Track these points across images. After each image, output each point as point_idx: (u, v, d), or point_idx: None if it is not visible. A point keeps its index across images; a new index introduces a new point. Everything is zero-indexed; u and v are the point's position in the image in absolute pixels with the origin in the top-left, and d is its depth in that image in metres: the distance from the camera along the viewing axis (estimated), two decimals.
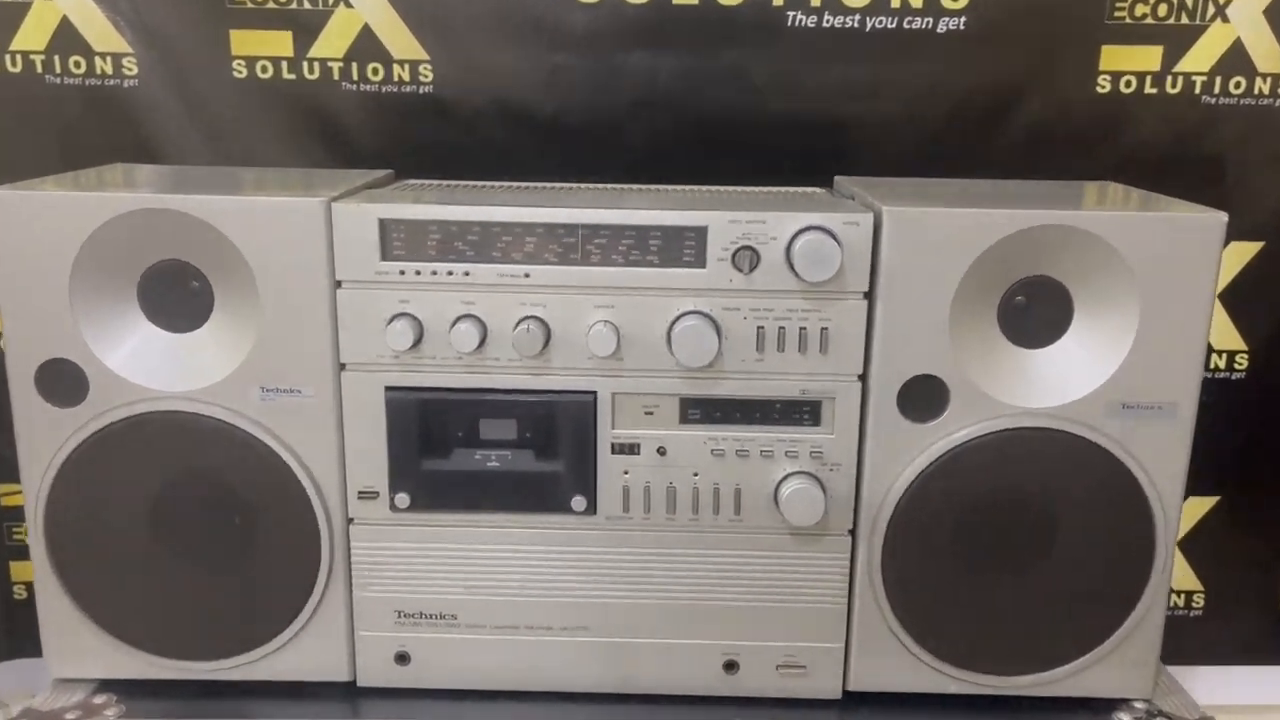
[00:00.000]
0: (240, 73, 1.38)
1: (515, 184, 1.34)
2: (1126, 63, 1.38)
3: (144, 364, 1.12)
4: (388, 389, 1.12)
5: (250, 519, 1.11)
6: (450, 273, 1.09)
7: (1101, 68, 1.38)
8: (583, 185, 1.34)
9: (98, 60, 1.37)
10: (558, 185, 1.33)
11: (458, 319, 1.10)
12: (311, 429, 1.13)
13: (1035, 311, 1.10)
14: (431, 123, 1.39)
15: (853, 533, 1.15)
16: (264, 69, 1.38)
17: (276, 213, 1.08)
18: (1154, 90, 1.39)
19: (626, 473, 1.14)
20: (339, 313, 1.10)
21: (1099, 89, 1.39)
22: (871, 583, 1.14)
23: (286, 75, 1.39)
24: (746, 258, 1.08)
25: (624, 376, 1.12)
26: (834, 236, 1.06)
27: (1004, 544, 1.11)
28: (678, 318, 1.09)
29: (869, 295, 1.09)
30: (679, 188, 1.34)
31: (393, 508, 1.14)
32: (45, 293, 1.08)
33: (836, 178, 1.35)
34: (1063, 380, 1.10)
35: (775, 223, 1.07)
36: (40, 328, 1.09)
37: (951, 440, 1.09)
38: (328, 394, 1.12)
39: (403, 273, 1.09)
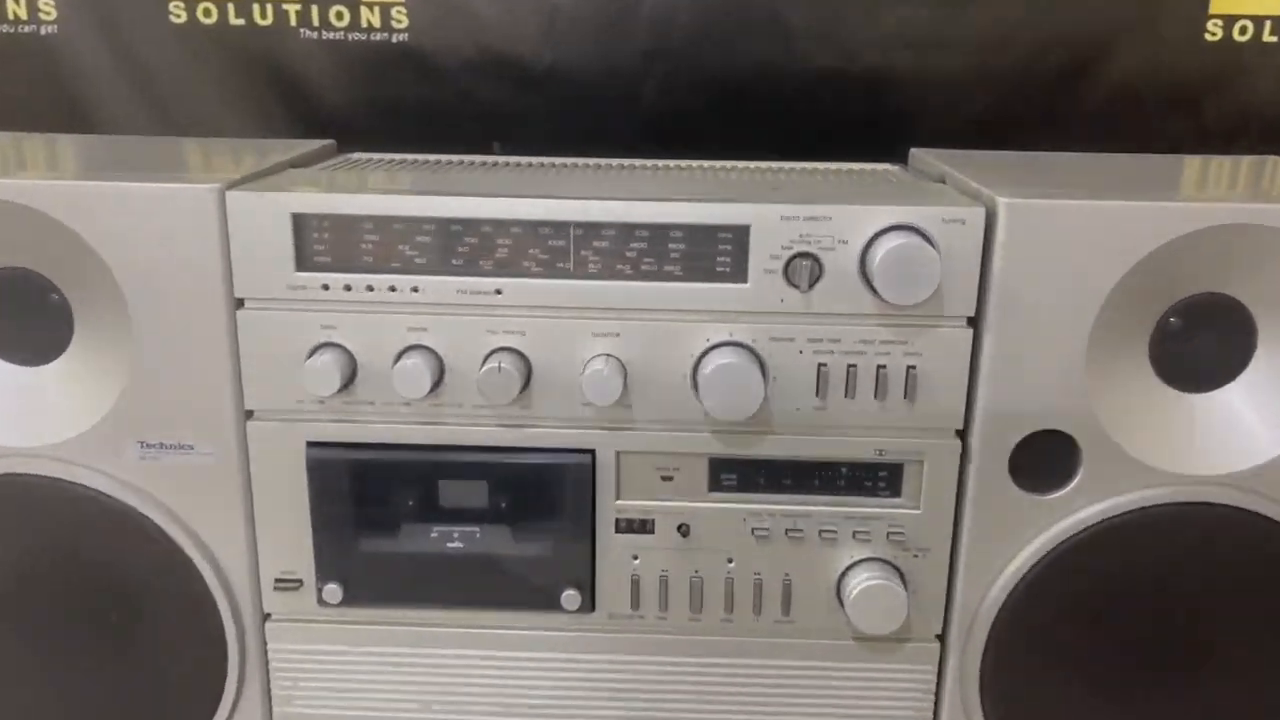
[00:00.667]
0: (179, 17, 1.19)
1: (497, 159, 1.03)
2: (1243, 4, 1.13)
3: None
4: (310, 445, 0.82)
5: (132, 615, 0.86)
6: (393, 288, 0.79)
7: (1212, 11, 1.15)
8: (582, 162, 1.03)
9: (10, 3, 1.17)
10: (552, 162, 1.02)
11: (403, 352, 0.80)
12: (208, 496, 0.83)
13: (1202, 343, 0.80)
14: (405, 79, 1.20)
15: (941, 639, 0.85)
16: (206, 12, 1.19)
17: (149, 205, 0.77)
18: (1275, 38, 1.15)
19: (636, 558, 0.84)
20: (240, 342, 0.80)
21: (1208, 36, 1.15)
22: (965, 705, 0.85)
23: (234, 20, 1.19)
24: (805, 269, 0.77)
25: (633, 430, 0.82)
26: (929, 240, 0.75)
27: (1149, 657, 0.86)
28: (707, 351, 0.79)
29: (974, 321, 0.78)
30: (705, 164, 1.03)
31: (321, 601, 0.85)
32: None
33: (913, 151, 1.04)
34: (1238, 437, 0.80)
35: (846, 220, 0.76)
36: None
37: (1081, 518, 0.83)
38: (229, 450, 0.82)
39: (327, 287, 0.79)
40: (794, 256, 0.77)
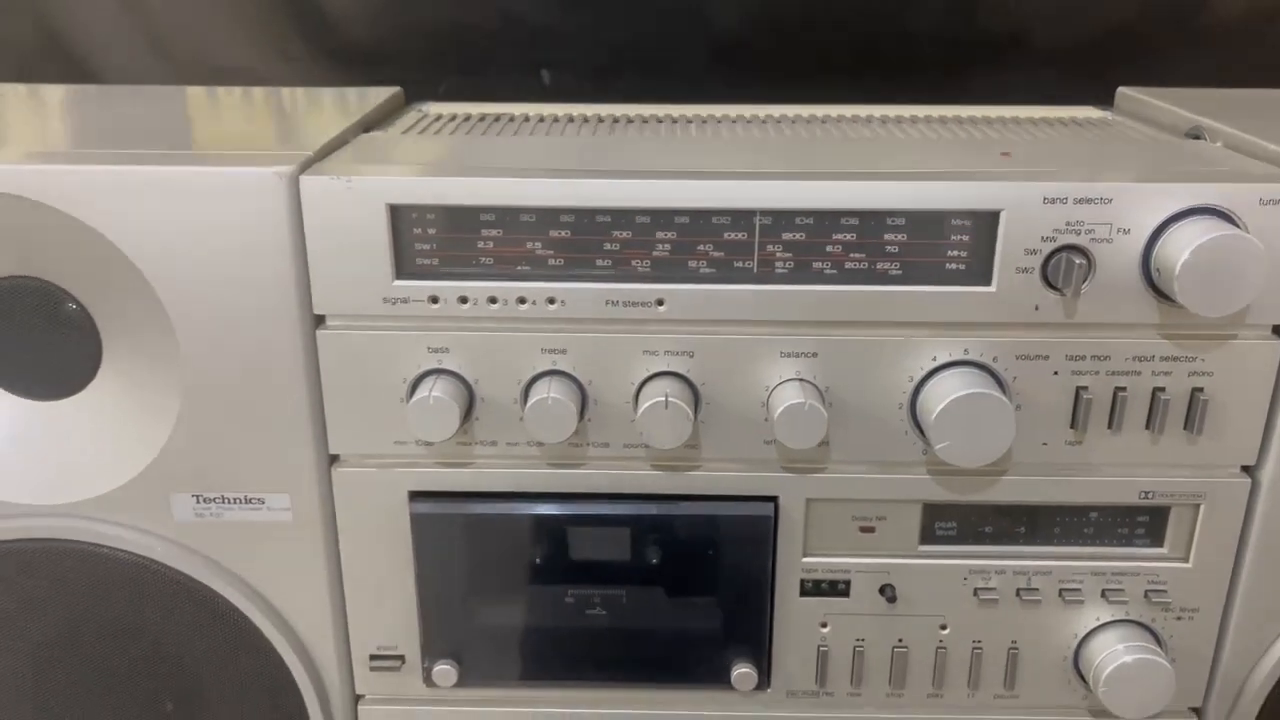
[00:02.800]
0: None
1: (602, 112, 0.83)
2: None
3: None
4: (414, 496, 0.65)
5: (192, 701, 0.70)
6: (523, 299, 0.60)
7: None
8: (689, 112, 0.83)
9: None
10: (668, 113, 0.83)
11: (535, 381, 0.61)
12: (284, 559, 0.66)
13: None
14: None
15: (1199, 712, 0.69)
16: None
17: (197, 195, 0.58)
18: None
19: (825, 625, 0.67)
20: (322, 370, 0.62)
21: None
22: None
23: None
24: (1072, 267, 0.58)
25: (827, 473, 0.64)
26: (1242, 227, 0.57)
27: None
28: (934, 373, 0.61)
29: None
30: (833, 111, 0.83)
31: (429, 682, 0.68)
32: None
33: (1122, 90, 0.84)
34: None
35: (1130, 201, 0.57)
36: None
37: None
38: (309, 504, 0.65)
39: (436, 299, 0.60)
40: (1057, 250, 0.58)
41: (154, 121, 0.74)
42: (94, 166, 0.58)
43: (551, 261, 0.60)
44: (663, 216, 0.59)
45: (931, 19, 0.96)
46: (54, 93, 0.84)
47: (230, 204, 0.58)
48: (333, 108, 0.76)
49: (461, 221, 0.59)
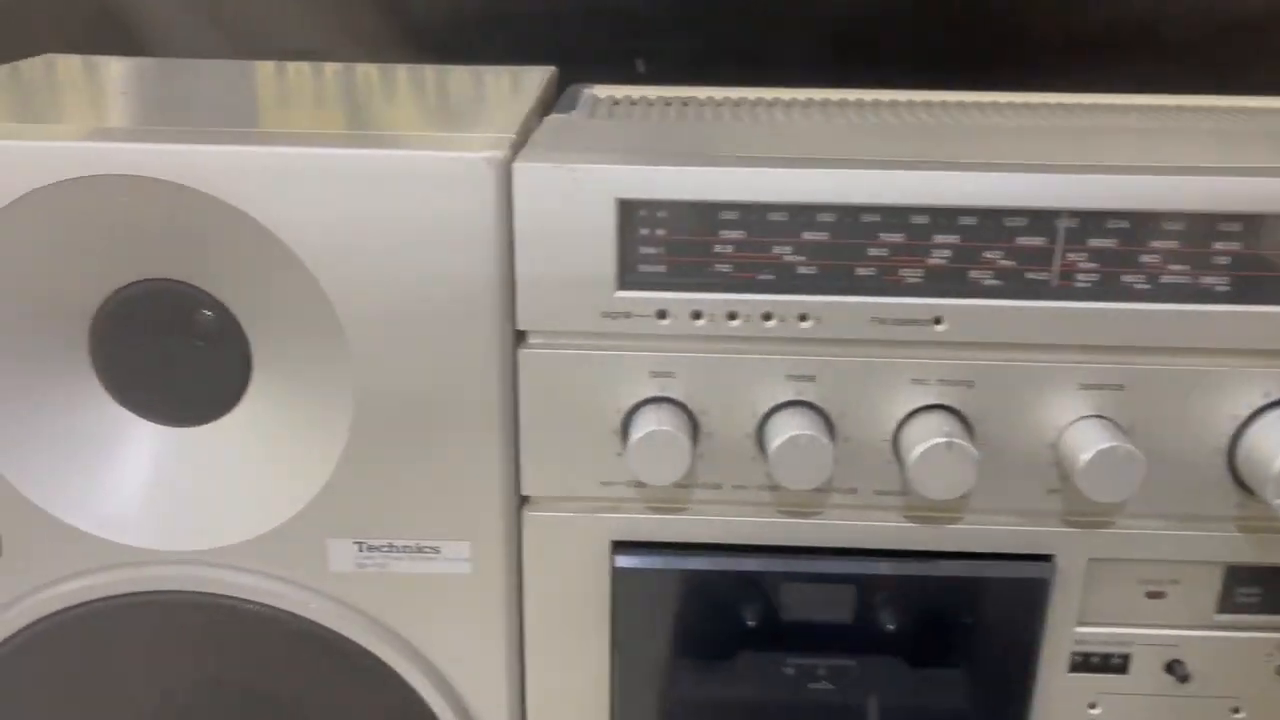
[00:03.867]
0: None
1: (794, 96, 0.73)
2: None
3: (113, 496, 0.54)
4: (618, 548, 0.54)
5: None
6: (769, 315, 0.50)
7: None
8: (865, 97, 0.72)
9: None
10: (840, 96, 0.72)
11: (775, 410, 0.51)
12: (458, 620, 0.56)
13: None
14: None
15: None
16: None
17: (383, 182, 0.48)
18: None
19: (1094, 707, 0.57)
20: (521, 396, 0.51)
21: None
22: None
23: None
24: None
25: (1116, 528, 0.53)
26: None
27: None
28: (1262, 410, 0.50)
29: None
30: (1030, 99, 0.73)
31: None
32: None
33: None
34: None
35: None
36: None
37: None
38: (493, 554, 0.54)
39: (665, 314, 0.50)
40: None
41: (299, 99, 0.64)
42: (255, 148, 0.48)
43: (803, 270, 0.50)
44: (944, 216, 0.49)
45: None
46: (146, 66, 0.73)
47: (425, 194, 0.48)
48: (498, 88, 0.66)
49: (699, 221, 0.49)
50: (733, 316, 0.50)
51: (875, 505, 0.53)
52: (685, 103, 0.68)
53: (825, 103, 0.70)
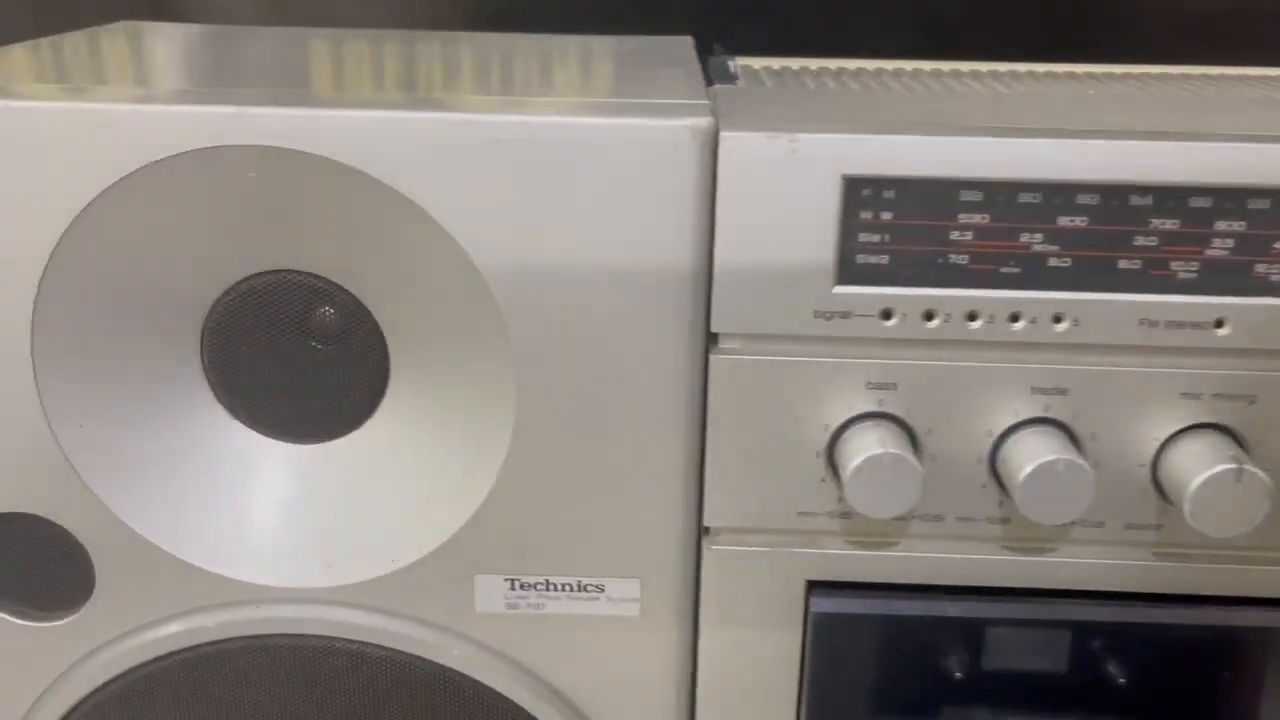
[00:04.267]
0: None
1: (959, 67, 0.65)
2: None
3: (224, 523, 0.46)
4: (815, 589, 0.46)
5: None
6: (1016, 316, 0.42)
7: None
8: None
9: None
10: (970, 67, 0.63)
11: (1012, 430, 0.43)
12: (624, 671, 0.48)
13: None
14: None
15: None
16: None
17: (557, 162, 0.40)
18: None
19: None
20: (710, 409, 0.43)
21: None
22: None
23: None
24: None
25: None
26: None
27: None
28: None
29: None
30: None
31: None
32: None
33: None
34: None
35: None
36: None
37: None
38: (667, 595, 0.46)
39: (890, 315, 0.42)
40: None
41: (428, 68, 0.56)
42: (412, 114, 0.40)
43: (1054, 262, 0.42)
44: (1230, 198, 0.41)
45: None
46: (237, 33, 0.65)
47: (611, 169, 0.40)
48: (647, 56, 0.58)
49: (934, 203, 0.41)
50: (972, 317, 0.42)
51: (1125, 541, 0.45)
52: (856, 72, 0.60)
53: (996, 74, 0.61)
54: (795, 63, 0.65)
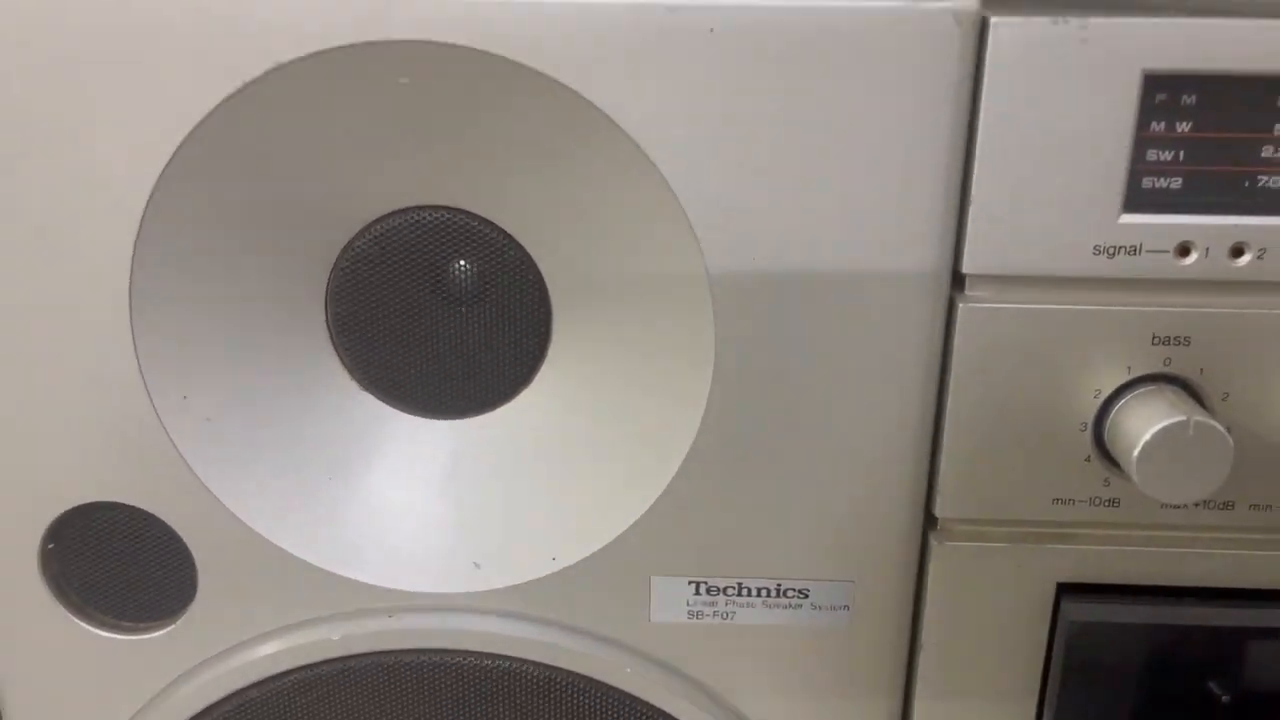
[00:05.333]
0: None
1: None
2: None
3: (351, 516, 0.38)
4: (1065, 592, 0.38)
5: None
6: None
7: None
8: None
9: None
10: None
11: None
12: (828, 692, 0.39)
13: None
14: None
15: None
16: None
17: (787, 50, 0.32)
18: None
19: None
20: (954, 371, 0.35)
21: None
22: None
23: None
24: None
25: None
26: None
27: None
28: None
29: None
30: None
31: None
32: (65, 315, 0.35)
33: None
34: None
35: None
36: (49, 418, 0.36)
37: None
38: (885, 599, 0.38)
39: (1187, 251, 0.34)
40: None
41: None
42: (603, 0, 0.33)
43: None
44: None
45: None
46: None
47: (848, 66, 0.32)
48: None
49: (1246, 107, 0.33)
50: (1261, 255, 0.34)
51: None
52: None
53: None
54: None
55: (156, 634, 0.39)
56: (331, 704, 0.40)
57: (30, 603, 0.39)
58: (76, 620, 0.39)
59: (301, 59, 0.32)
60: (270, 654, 0.39)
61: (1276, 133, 0.33)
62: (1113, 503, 0.37)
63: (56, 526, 0.38)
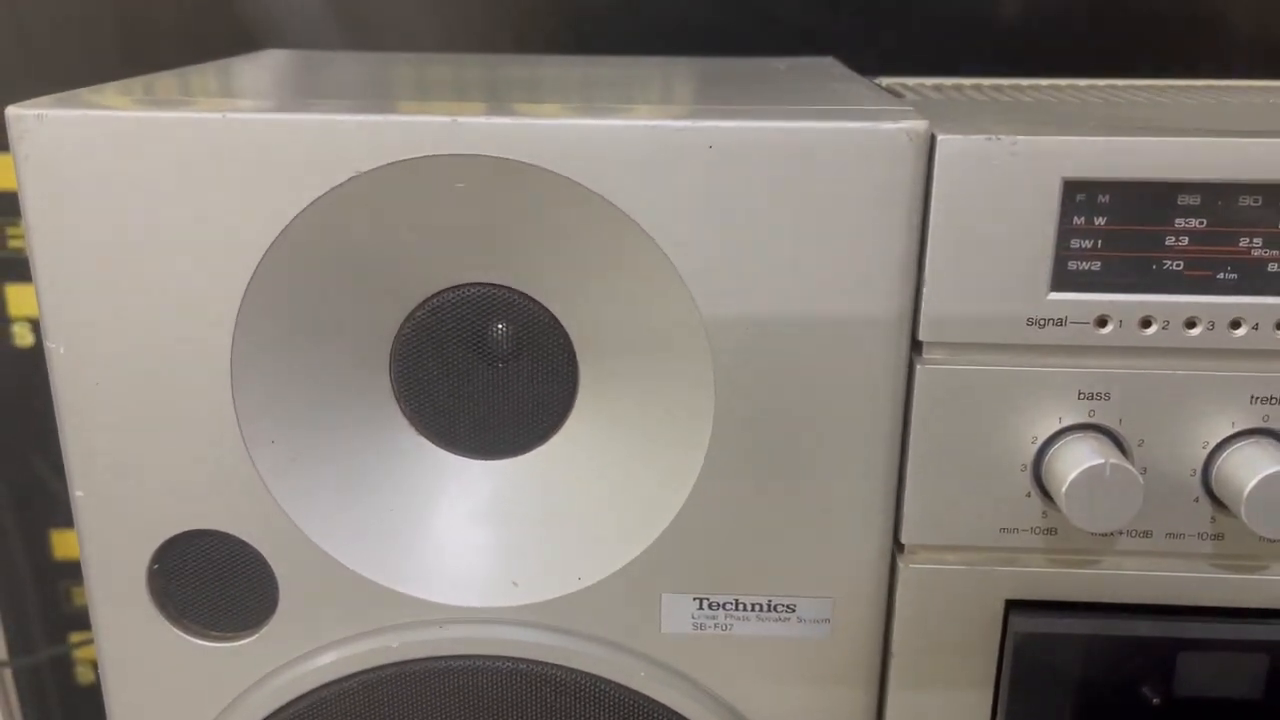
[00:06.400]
0: None
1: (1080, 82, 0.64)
2: None
3: (404, 540, 0.46)
4: (1012, 608, 0.45)
5: None
6: (1237, 323, 0.41)
7: None
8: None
9: None
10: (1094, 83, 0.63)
11: (1231, 440, 0.42)
12: (809, 694, 0.46)
13: None
14: None
15: None
16: None
17: (763, 166, 0.39)
18: None
19: None
20: (914, 419, 0.42)
21: None
22: None
23: None
24: None
25: None
26: None
27: None
28: None
29: None
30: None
31: None
32: (175, 372, 0.42)
33: None
34: None
35: None
36: (159, 458, 0.44)
37: None
38: (858, 615, 0.45)
39: (1104, 323, 0.41)
40: None
41: (606, 84, 0.55)
42: (624, 121, 0.40)
43: (1274, 267, 0.41)
44: None
45: None
46: (383, 59, 0.66)
47: (821, 174, 0.39)
48: (808, 74, 0.58)
49: (1150, 206, 0.40)
50: (1191, 324, 0.41)
51: None
52: (1019, 88, 0.59)
53: (1134, 87, 0.60)
54: (929, 81, 0.65)
55: (242, 641, 0.46)
56: (390, 702, 0.47)
57: (136, 615, 0.46)
58: (174, 630, 0.47)
59: (378, 168, 0.40)
60: (339, 659, 0.46)
61: (1176, 226, 0.40)
62: (1051, 531, 0.44)
63: (161, 550, 0.45)
